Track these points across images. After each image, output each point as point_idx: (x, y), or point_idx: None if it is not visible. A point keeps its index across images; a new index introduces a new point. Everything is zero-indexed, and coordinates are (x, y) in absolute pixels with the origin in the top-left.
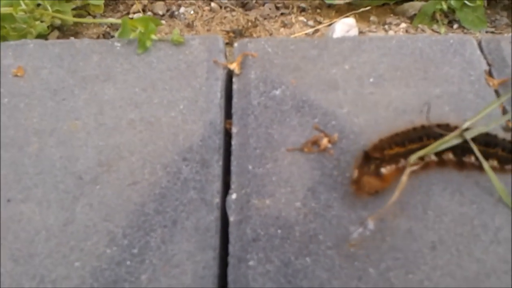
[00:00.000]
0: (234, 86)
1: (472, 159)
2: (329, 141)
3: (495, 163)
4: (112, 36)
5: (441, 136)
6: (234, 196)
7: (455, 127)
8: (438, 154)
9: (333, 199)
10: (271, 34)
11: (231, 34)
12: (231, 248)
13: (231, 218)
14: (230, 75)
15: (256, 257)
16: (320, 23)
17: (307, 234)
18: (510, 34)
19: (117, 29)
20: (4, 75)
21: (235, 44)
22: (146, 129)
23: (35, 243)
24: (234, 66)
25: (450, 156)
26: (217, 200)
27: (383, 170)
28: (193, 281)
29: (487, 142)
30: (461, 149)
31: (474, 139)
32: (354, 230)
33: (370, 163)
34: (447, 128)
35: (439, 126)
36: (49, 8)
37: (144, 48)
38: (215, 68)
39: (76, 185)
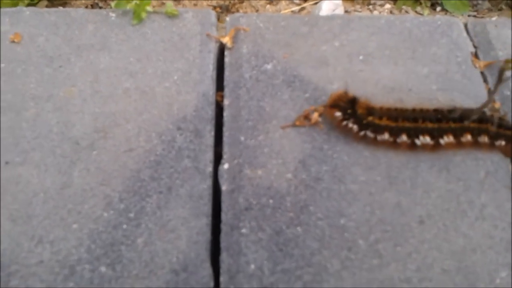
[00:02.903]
0: (226, 60)
1: (469, 137)
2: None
3: (486, 139)
4: (101, 7)
5: (437, 120)
6: (226, 166)
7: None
8: (437, 137)
9: (323, 172)
10: (257, 11)
11: (218, 10)
12: (223, 216)
13: (223, 187)
14: (221, 48)
15: (248, 225)
16: (305, 1)
17: (298, 205)
18: (494, 18)
19: (105, 1)
20: (1, 41)
21: (227, 19)
22: (141, 98)
23: (33, 205)
24: (226, 40)
25: (450, 138)
26: (209, 169)
27: (351, 124)
28: (188, 246)
29: (480, 118)
30: (460, 130)
31: (467, 117)
32: None
33: (352, 108)
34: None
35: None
36: None
37: (139, 19)
38: (207, 41)
39: (73, 150)
